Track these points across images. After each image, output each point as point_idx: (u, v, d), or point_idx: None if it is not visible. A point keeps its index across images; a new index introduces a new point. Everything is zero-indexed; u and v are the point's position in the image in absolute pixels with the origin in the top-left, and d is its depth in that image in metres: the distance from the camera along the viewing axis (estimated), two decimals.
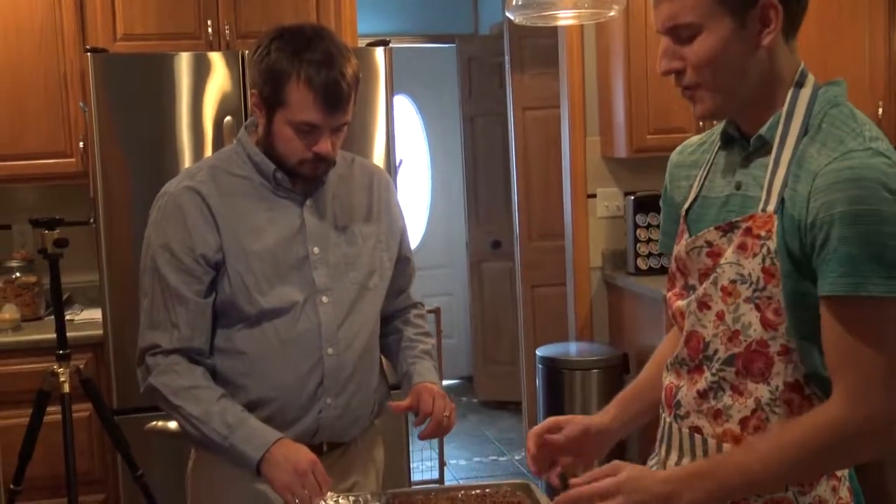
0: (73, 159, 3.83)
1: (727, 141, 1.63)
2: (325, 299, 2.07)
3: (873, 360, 1.39)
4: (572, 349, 4.58)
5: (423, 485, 4.60)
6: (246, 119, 3.49)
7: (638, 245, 4.46)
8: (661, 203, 1.83)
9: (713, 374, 1.55)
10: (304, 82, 1.93)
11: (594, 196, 4.68)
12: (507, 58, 5.68)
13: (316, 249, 2.08)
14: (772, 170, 1.49)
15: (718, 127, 1.68)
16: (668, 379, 1.66)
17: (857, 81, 4.27)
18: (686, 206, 1.67)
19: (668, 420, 1.66)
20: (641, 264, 4.46)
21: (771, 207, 1.47)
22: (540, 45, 5.36)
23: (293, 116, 1.97)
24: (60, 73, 3.80)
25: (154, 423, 3.49)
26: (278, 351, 2.04)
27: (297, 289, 2.06)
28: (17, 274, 3.88)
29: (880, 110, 4.26)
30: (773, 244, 1.46)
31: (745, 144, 1.58)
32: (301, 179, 2.08)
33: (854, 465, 1.52)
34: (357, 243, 2.14)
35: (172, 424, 3.50)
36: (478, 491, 1.96)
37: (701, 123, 4.22)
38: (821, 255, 1.41)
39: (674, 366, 1.64)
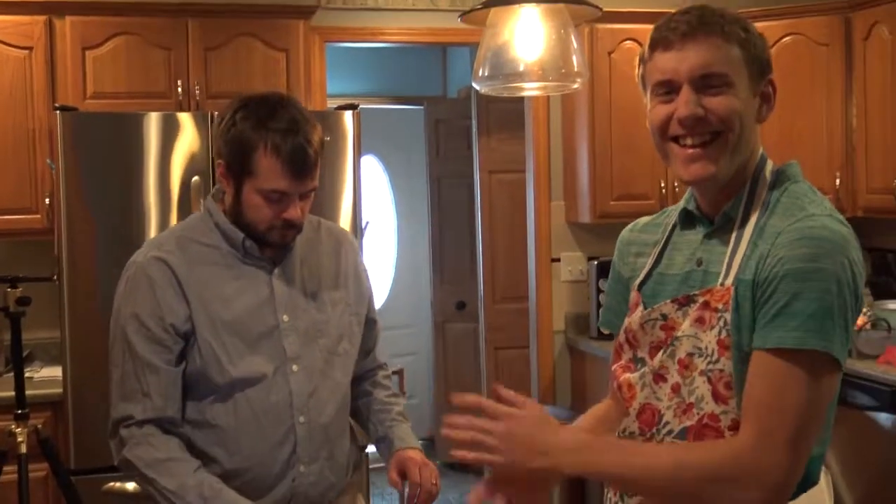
0: (39, 215, 3.82)
1: (686, 220, 1.65)
2: (295, 368, 2.07)
3: (791, 415, 1.40)
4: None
5: None
6: (213, 180, 3.52)
7: (601, 310, 4.48)
8: (609, 279, 1.84)
9: None
10: (271, 151, 1.95)
11: (558, 260, 4.73)
12: (474, 121, 5.76)
13: (286, 317, 2.09)
14: (733, 246, 1.52)
15: (672, 208, 1.71)
16: None
17: (815, 152, 4.37)
18: (639, 280, 1.67)
19: (613, 499, 1.65)
20: (604, 329, 4.48)
21: (729, 281, 1.48)
22: (507, 110, 5.43)
23: (262, 185, 1.98)
24: (29, 130, 3.81)
25: (111, 483, 3.45)
26: (251, 422, 2.04)
27: (268, 359, 2.06)
28: None
29: (837, 181, 4.35)
30: (728, 316, 1.47)
31: (706, 222, 1.60)
32: (269, 247, 2.09)
33: None
34: (326, 310, 2.15)
35: (130, 486, 3.46)
36: None
37: (663, 191, 4.30)
38: (767, 307, 1.42)
39: (623, 437, 1.62)
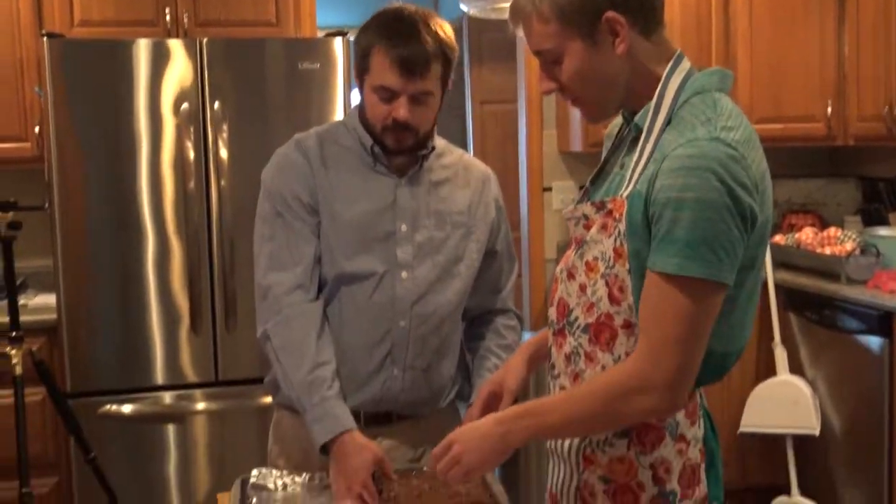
0: (29, 144, 3.82)
1: (627, 122, 1.71)
2: (404, 275, 2.13)
3: (673, 329, 1.48)
4: (526, 339, 4.62)
5: None
6: (203, 106, 3.52)
7: None
8: None
9: (575, 340, 1.65)
10: (384, 49, 2.03)
11: (550, 189, 4.73)
12: (465, 52, 5.72)
13: (403, 227, 2.14)
14: (636, 158, 1.56)
15: None
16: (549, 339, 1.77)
17: (807, 80, 4.37)
18: (593, 174, 1.76)
19: (548, 380, 1.77)
20: None
21: (626, 192, 1.55)
22: (498, 40, 5.41)
23: (374, 81, 2.06)
24: (16, 58, 3.79)
25: (107, 406, 3.52)
26: (353, 317, 2.12)
27: (379, 260, 2.12)
28: None
29: (829, 109, 4.35)
30: (622, 226, 1.54)
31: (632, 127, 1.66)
32: (391, 153, 2.14)
33: (631, 422, 1.59)
34: (446, 229, 2.19)
35: (126, 408, 3.52)
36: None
37: None
38: (655, 230, 1.49)
39: (549, 327, 1.75)
